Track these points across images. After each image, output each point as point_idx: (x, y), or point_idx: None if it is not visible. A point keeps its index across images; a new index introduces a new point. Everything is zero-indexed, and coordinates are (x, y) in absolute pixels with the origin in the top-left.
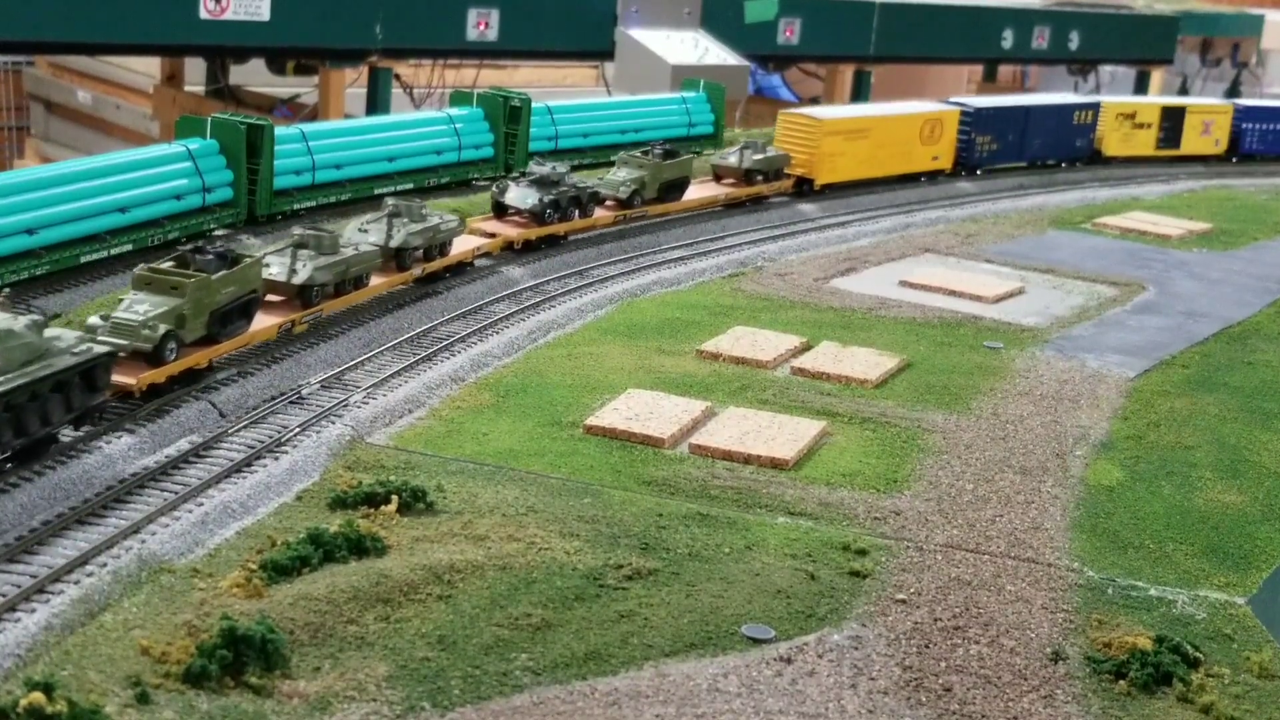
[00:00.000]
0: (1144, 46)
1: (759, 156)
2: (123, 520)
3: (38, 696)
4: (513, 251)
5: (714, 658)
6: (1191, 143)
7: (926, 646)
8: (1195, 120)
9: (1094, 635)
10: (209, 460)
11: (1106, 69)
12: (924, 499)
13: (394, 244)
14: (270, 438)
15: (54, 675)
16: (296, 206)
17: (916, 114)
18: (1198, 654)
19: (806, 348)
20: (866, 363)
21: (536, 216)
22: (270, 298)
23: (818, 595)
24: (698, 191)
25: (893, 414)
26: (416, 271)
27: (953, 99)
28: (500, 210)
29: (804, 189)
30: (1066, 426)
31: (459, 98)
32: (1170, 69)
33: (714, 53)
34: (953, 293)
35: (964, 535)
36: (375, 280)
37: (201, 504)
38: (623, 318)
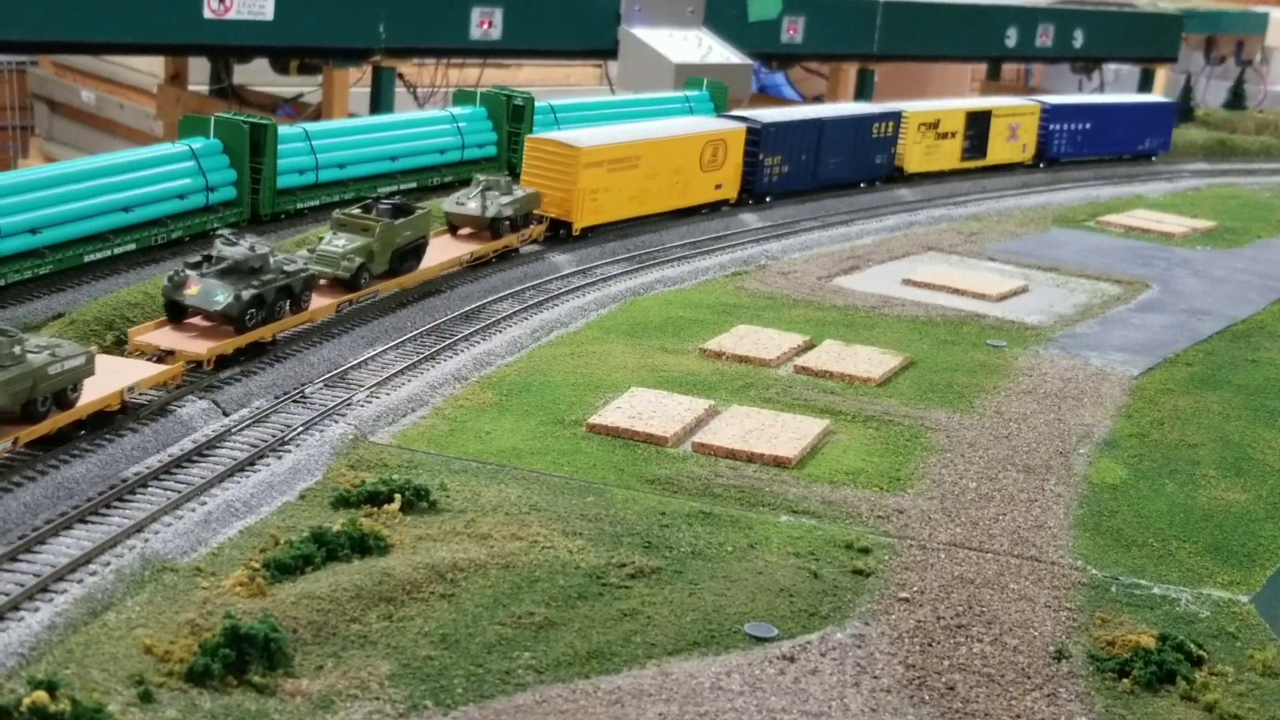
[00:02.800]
0: (1148, 44)
1: (506, 199)
2: (126, 519)
3: (41, 695)
4: (201, 373)
5: (717, 656)
6: (997, 150)
7: (929, 645)
8: (1001, 125)
9: (1097, 633)
10: (212, 459)
11: (1110, 67)
12: (927, 497)
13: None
14: (274, 436)
15: (57, 674)
16: (299, 205)
17: (696, 134)
18: (1201, 652)
19: (810, 346)
20: (870, 361)
21: (233, 319)
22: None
23: (821, 594)
24: (434, 253)
25: (896, 412)
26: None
27: (737, 113)
28: (176, 312)
29: (561, 234)
30: (1070, 425)
31: (462, 97)
32: (1174, 67)
33: (717, 51)
34: (956, 291)
35: (967, 534)
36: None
37: (205, 503)
38: (626, 316)
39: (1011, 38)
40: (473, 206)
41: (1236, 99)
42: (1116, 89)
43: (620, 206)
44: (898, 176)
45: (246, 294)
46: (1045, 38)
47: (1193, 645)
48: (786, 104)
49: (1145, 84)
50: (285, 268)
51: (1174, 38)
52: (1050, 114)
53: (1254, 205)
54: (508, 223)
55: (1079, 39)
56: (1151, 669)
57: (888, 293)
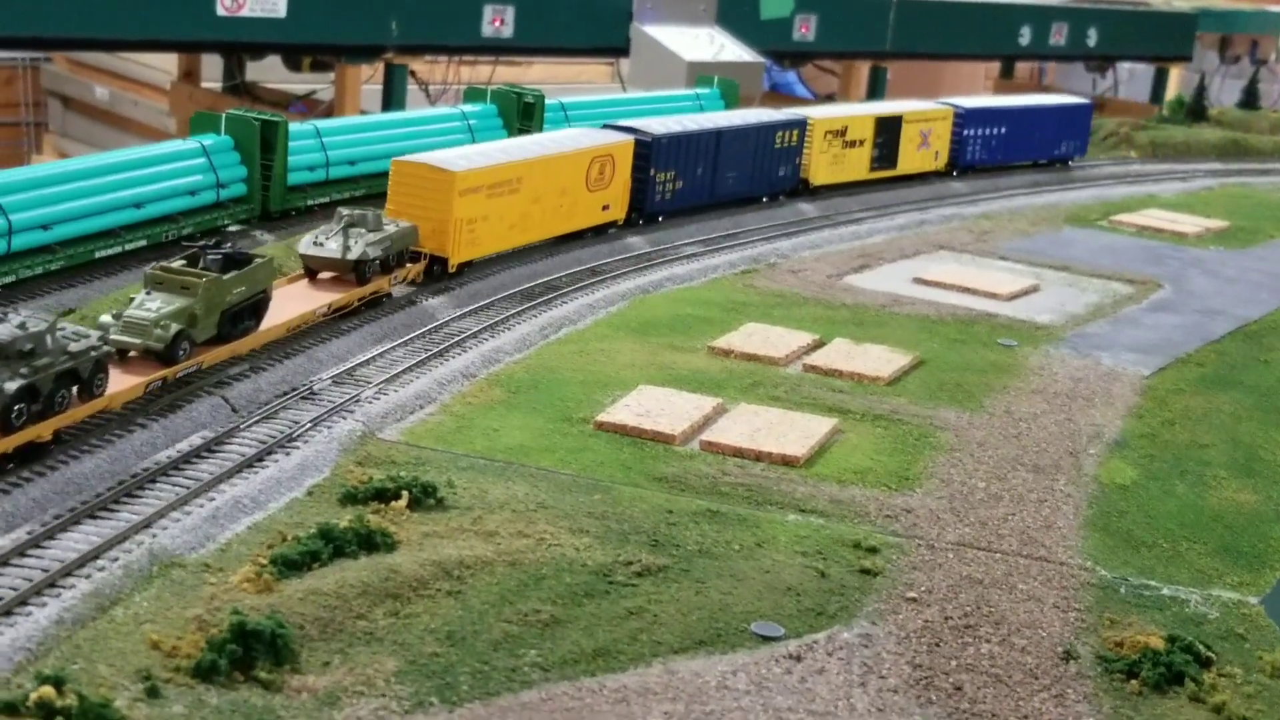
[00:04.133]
0: (1162, 43)
1: (374, 236)
2: (134, 515)
3: (48, 690)
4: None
5: (723, 655)
6: (909, 159)
7: (937, 645)
8: (912, 131)
9: (1106, 634)
10: (220, 455)
11: (1124, 66)
12: (936, 497)
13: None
14: (282, 433)
15: (64, 669)
16: (310, 202)
17: (583, 150)
18: (1210, 654)
19: (819, 345)
20: (879, 360)
21: None
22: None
23: (828, 593)
24: (284, 304)
25: (905, 411)
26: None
27: (623, 123)
28: None
29: (435, 271)
30: (1080, 424)
31: (473, 94)
32: (1188, 66)
33: (729, 49)
34: (967, 290)
35: (976, 533)
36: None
37: (213, 499)
38: (635, 314)
39: (1025, 36)
40: (332, 247)
41: (1250, 98)
42: (1131, 88)
43: (501, 237)
44: (802, 189)
45: (12, 385)
46: (1059, 36)
47: (1201, 646)
48: (803, 101)
49: (1159, 83)
50: (70, 347)
51: (1188, 37)
52: (964, 119)
53: (1267, 205)
54: (377, 264)
55: (1093, 38)
56: (1160, 670)
57: (898, 291)
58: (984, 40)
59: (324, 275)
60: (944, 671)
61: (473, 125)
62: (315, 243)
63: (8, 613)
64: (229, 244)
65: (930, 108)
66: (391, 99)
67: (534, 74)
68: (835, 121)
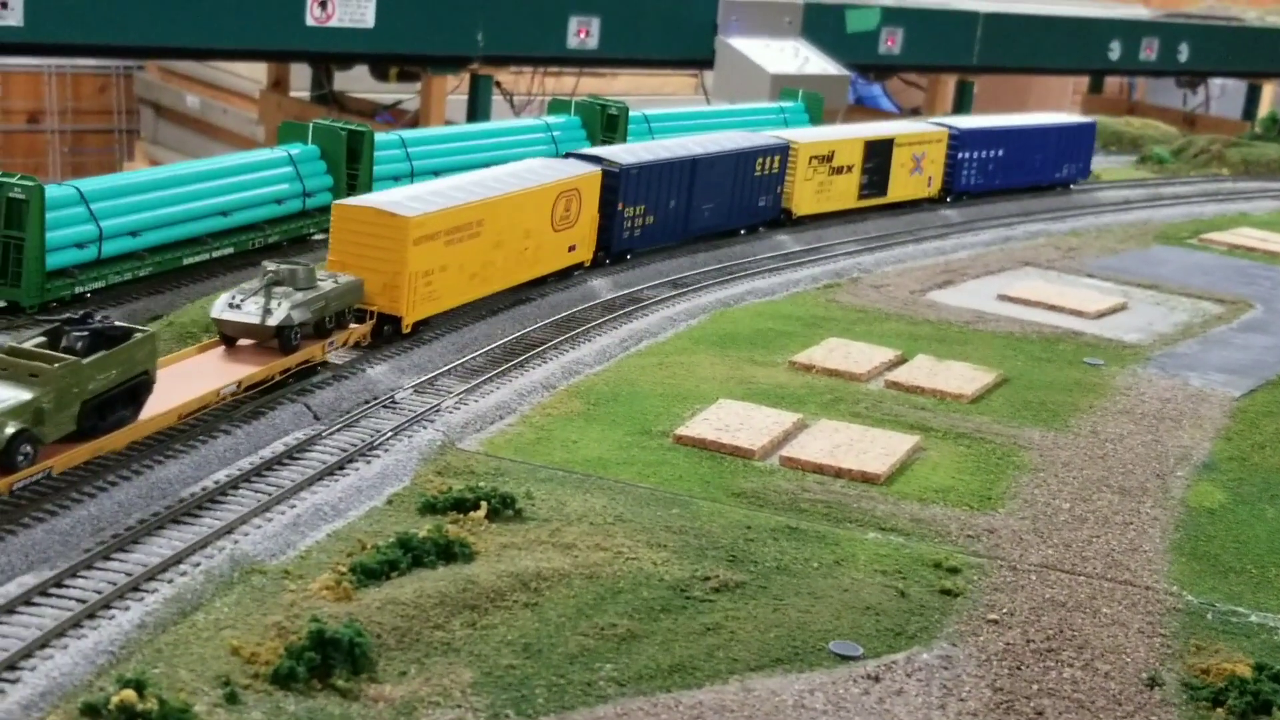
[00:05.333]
0: (1256, 59)
1: (302, 296)
2: (216, 520)
3: (129, 694)
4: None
5: (800, 674)
6: (900, 186)
7: (1018, 668)
8: (904, 155)
9: (1191, 661)
10: (302, 462)
11: (1216, 81)
12: (1019, 517)
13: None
14: (363, 441)
15: (146, 673)
16: None
17: (548, 185)
18: None
19: (901, 361)
20: (962, 377)
21: None
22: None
23: (908, 613)
24: (181, 384)
25: (988, 430)
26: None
27: (588, 151)
28: None
29: (387, 332)
30: (1168, 446)
31: (557, 106)
32: None
33: (814, 62)
34: (1053, 307)
35: (1059, 555)
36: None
37: (294, 506)
38: (715, 327)
39: (1115, 50)
40: (250, 310)
41: None
42: (1222, 104)
43: (461, 289)
44: (785, 220)
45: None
46: (1149, 51)
47: None
48: (888, 114)
49: (1252, 99)
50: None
51: None
52: (959, 140)
53: None
54: (300, 329)
55: (1184, 53)
56: (1247, 699)
57: (982, 308)
58: (1072, 55)
59: (244, 342)
60: (1025, 696)
61: (556, 137)
62: (231, 304)
63: (91, 615)
64: (100, 317)
65: (923, 129)
66: (476, 110)
67: (618, 85)
68: (821, 146)
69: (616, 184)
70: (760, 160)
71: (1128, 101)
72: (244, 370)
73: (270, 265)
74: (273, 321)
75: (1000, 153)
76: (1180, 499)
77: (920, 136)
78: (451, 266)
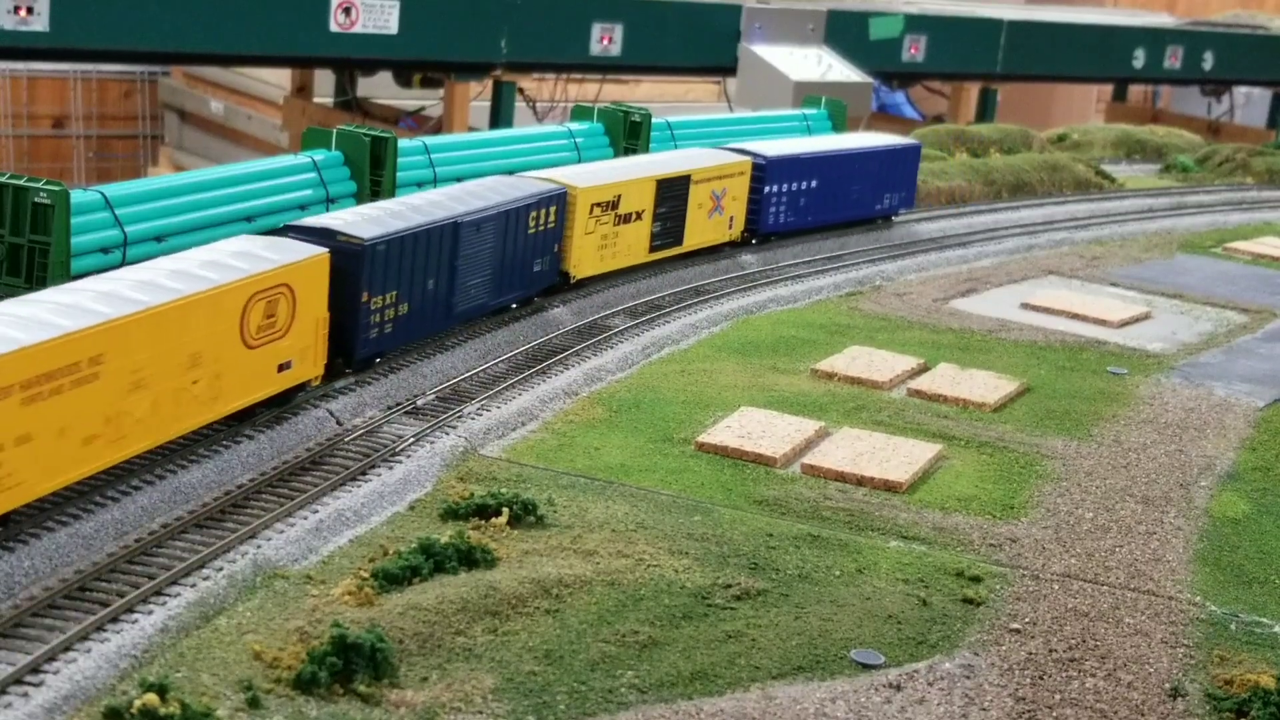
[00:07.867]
0: None
1: None
2: (239, 525)
3: (151, 698)
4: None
5: (822, 682)
6: (698, 231)
7: (1041, 678)
8: (702, 193)
9: (1215, 672)
10: (325, 468)
11: (1241, 90)
12: (1041, 526)
13: None
14: (385, 447)
15: (168, 677)
16: None
17: (228, 286)
18: None
19: (924, 369)
20: (985, 386)
21: None
22: None
23: (929, 621)
24: None
25: (1011, 439)
26: None
27: (307, 222)
28: None
29: None
30: (1191, 456)
31: (580, 112)
32: None
33: (837, 69)
34: (1076, 316)
35: (1082, 565)
36: None
37: (316, 511)
38: (737, 335)
39: (1139, 59)
40: None
41: None
42: (1248, 113)
43: (65, 463)
44: (565, 286)
45: None
46: (1174, 59)
47: None
48: (911, 122)
49: (1277, 107)
50: None
51: None
52: (764, 171)
53: None
54: None
55: (1209, 61)
56: (1271, 710)
57: (1005, 316)
58: (1097, 63)
59: None
60: (1047, 705)
61: (579, 143)
62: None
63: (114, 619)
64: None
65: (726, 160)
66: (499, 116)
67: (641, 92)
68: (605, 190)
69: (358, 267)
70: (534, 214)
71: (1152, 110)
72: None
73: None
74: None
75: (813, 184)
76: (1204, 509)
77: (721, 170)
78: (42, 434)
